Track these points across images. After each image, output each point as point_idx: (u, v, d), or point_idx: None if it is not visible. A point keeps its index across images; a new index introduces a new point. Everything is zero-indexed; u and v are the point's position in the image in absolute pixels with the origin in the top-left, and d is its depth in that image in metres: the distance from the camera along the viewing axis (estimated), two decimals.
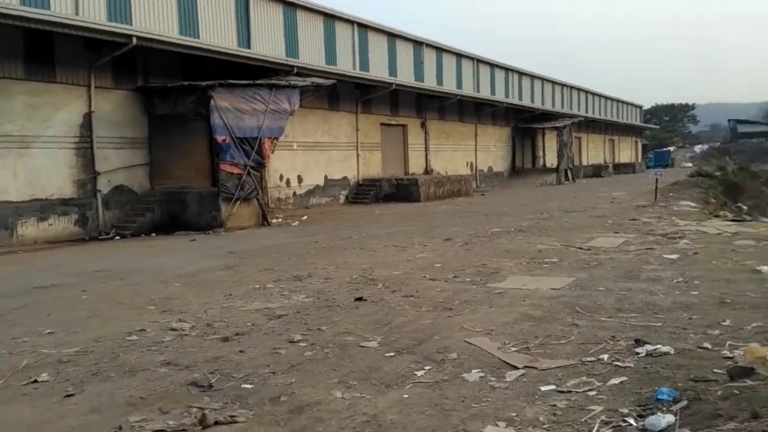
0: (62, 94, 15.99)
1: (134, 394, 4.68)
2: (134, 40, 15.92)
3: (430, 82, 32.79)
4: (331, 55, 26.30)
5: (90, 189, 16.59)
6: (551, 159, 43.15)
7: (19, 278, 10.25)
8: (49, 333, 6.57)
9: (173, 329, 6.52)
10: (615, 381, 4.59)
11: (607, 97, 62.13)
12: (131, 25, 17.74)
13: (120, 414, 4.32)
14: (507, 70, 42.45)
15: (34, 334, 6.54)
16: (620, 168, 57.15)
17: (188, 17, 19.99)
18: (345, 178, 26.16)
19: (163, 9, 19.19)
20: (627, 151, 66.70)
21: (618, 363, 4.98)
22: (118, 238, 16.23)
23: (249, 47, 21.77)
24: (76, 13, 16.55)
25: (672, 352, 5.15)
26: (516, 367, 4.97)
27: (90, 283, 9.58)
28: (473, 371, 4.94)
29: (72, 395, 4.72)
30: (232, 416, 4.22)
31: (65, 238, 15.85)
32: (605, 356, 5.14)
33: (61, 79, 15.97)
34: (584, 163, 52.22)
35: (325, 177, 25.12)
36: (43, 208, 15.64)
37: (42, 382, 5.03)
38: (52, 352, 5.83)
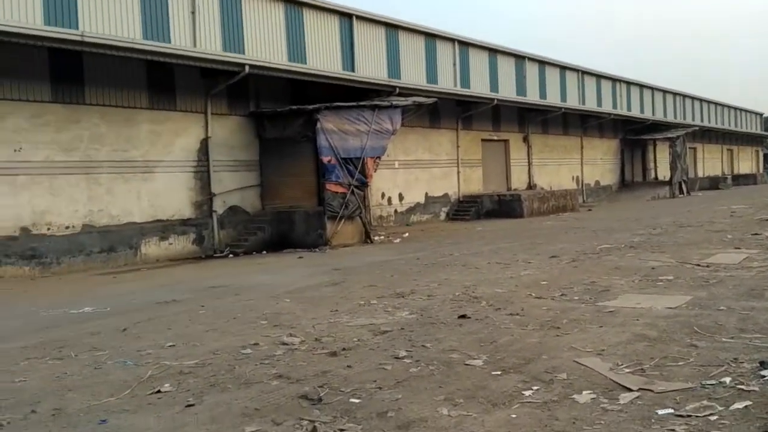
0: (181, 121, 17.00)
1: (249, 405, 4.86)
2: (247, 68, 16.69)
3: (532, 96, 32.29)
4: (431, 74, 26.48)
5: (206, 210, 17.48)
6: (663, 171, 41.23)
7: (142, 294, 10.92)
8: (170, 346, 6.95)
9: (284, 343, 6.73)
10: (738, 405, 4.30)
11: (723, 105, 58.79)
12: (244, 54, 18.66)
13: (237, 424, 4.49)
14: (614, 80, 41.10)
15: (156, 346, 6.94)
16: (740, 179, 53.83)
17: (296, 44, 20.79)
18: (446, 195, 26.12)
19: (273, 38, 20.08)
20: (747, 162, 62.79)
21: (741, 386, 4.66)
22: (231, 255, 16.95)
23: (353, 70, 22.31)
24: (194, 45, 17.63)
25: None
26: (630, 389, 4.75)
27: (207, 298, 10.05)
28: (584, 392, 4.77)
29: (192, 405, 4.95)
30: (341, 429, 4.29)
31: (184, 256, 16.73)
32: (727, 379, 4.83)
33: (181, 107, 16.99)
34: (700, 174, 49.51)
35: (426, 194, 25.19)
36: (164, 228, 16.64)
37: (165, 392, 5.31)
38: (173, 364, 6.15)
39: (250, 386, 5.35)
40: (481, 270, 11.49)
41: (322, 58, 21.58)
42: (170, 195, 16.75)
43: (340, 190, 17.48)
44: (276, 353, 6.37)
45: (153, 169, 16.44)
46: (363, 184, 18.05)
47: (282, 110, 18.25)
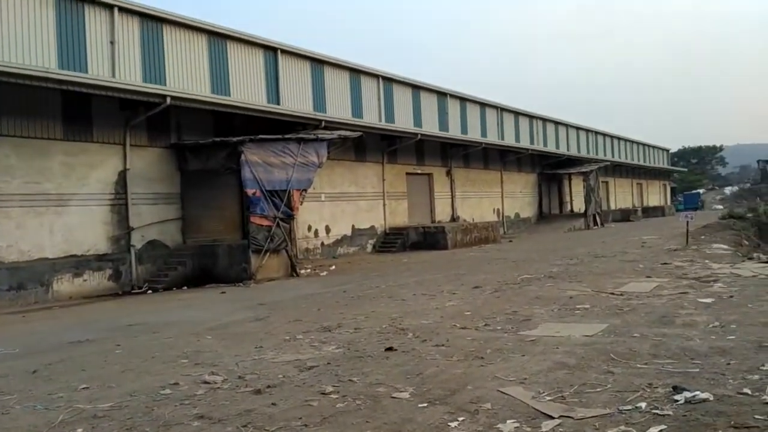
0: (98, 153, 16.46)
1: None
2: (168, 100, 16.42)
3: (454, 131, 33.09)
4: (357, 108, 26.77)
5: (124, 244, 16.89)
6: (579, 204, 42.87)
7: (54, 334, 10.38)
8: (84, 388, 6.61)
9: (205, 382, 6.52)
10: (654, 430, 4.46)
11: (633, 141, 61.89)
12: (165, 85, 18.34)
13: None
14: (531, 117, 42.67)
15: (69, 389, 6.58)
16: (649, 212, 56.53)
17: (220, 76, 20.62)
18: (372, 227, 26.27)
19: (195, 69, 19.84)
20: (655, 195, 66.05)
21: (656, 411, 4.84)
22: (150, 292, 16.40)
23: (278, 103, 22.28)
24: (113, 75, 17.20)
25: (711, 398, 5.00)
26: (552, 417, 4.85)
27: (123, 337, 9.65)
28: (508, 422, 4.84)
29: None
30: None
31: (99, 293, 16.07)
32: (643, 404, 5.01)
33: (98, 139, 16.47)
34: (612, 207, 51.72)
35: (353, 227, 25.26)
36: (78, 264, 15.94)
37: None
38: (87, 407, 5.85)
39: (170, 428, 5.15)
40: (408, 302, 11.55)
41: (247, 90, 21.46)
42: (85, 229, 16.11)
43: (266, 222, 17.34)
44: (197, 393, 6.17)
45: (67, 203, 15.80)
46: (289, 217, 17.99)
47: (205, 142, 17.98)
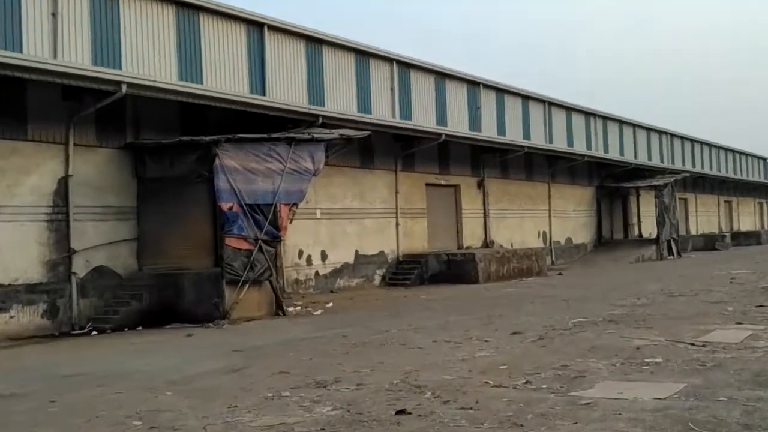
0: (33, 155, 16.55)
1: None
2: (124, 88, 16.47)
3: (489, 131, 33.21)
4: (364, 101, 26.93)
5: (63, 271, 16.94)
6: (649, 227, 42.73)
7: None
8: None
9: None
10: None
11: (720, 147, 61.88)
12: (121, 69, 18.51)
13: None
14: (588, 114, 42.78)
15: None
16: (740, 238, 56.28)
17: (190, 59, 20.81)
18: (381, 253, 26.28)
19: (159, 50, 20.03)
20: (749, 216, 65.81)
21: None
22: (95, 333, 16.38)
23: (264, 93, 22.44)
24: (54, 56, 17.38)
25: None
26: None
27: (60, 391, 9.64)
28: None
29: None
30: None
31: (31, 333, 16.04)
32: None
33: (33, 136, 16.56)
34: (692, 231, 51.57)
35: (356, 252, 25.28)
36: (4, 296, 15.96)
37: None
38: None
39: None
40: (426, 351, 11.51)
41: (224, 76, 21.63)
42: (14, 251, 16.18)
43: (245, 246, 17.35)
44: None
45: None
46: (275, 239, 18.00)
47: (169, 142, 18.09)
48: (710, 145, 60.24)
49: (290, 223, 18.65)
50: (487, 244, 31.47)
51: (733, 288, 20.08)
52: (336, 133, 20.48)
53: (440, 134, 27.14)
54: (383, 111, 27.53)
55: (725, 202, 60.48)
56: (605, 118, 44.67)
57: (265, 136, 18.26)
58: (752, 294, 18.14)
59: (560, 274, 29.80)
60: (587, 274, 29.85)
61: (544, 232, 36.17)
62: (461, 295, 21.45)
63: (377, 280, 26.05)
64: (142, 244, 18.45)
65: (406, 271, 26.47)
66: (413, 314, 17.12)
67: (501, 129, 34.73)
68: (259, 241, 17.48)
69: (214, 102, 18.92)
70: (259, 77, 22.71)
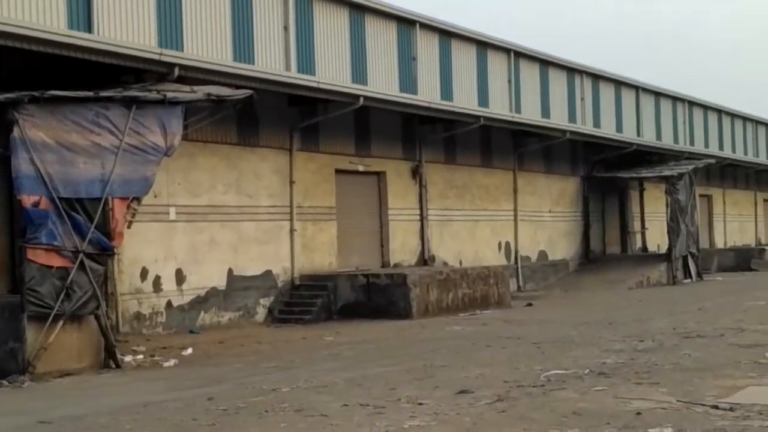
0: None
1: None
2: None
3: (428, 94, 33.21)
4: (244, 46, 26.61)
5: None
6: (657, 237, 43.48)
7: None
8: None
9: None
10: None
11: (760, 122, 62.81)
12: None
13: None
14: (571, 70, 43.23)
15: None
16: None
17: None
18: (268, 273, 26.15)
19: None
20: None
21: None
22: None
23: (89, 29, 21.99)
24: None
25: None
26: None
27: None
28: None
29: None
30: None
31: None
32: None
33: None
34: (719, 243, 52.65)
35: (230, 273, 25.06)
36: None
37: None
38: None
39: None
40: (332, 420, 11.45)
41: (30, 5, 21.11)
42: None
43: (58, 262, 17.23)
44: None
45: None
46: (104, 251, 17.91)
47: None
48: (745, 119, 61.13)
49: (128, 227, 18.66)
50: (426, 260, 31.56)
51: None
52: (201, 91, 20.20)
53: (358, 96, 27.05)
54: (272, 61, 27.26)
55: (766, 201, 61.63)
56: (596, 77, 45.04)
57: (90, 94, 18.04)
58: None
59: (530, 304, 30.16)
60: (569, 304, 30.26)
61: (508, 244, 36.46)
62: (386, 336, 21.70)
63: (261, 314, 25.98)
64: None
65: (306, 301, 26.49)
66: (315, 365, 17.25)
67: (446, 90, 34.74)
68: (81, 254, 17.36)
69: (12, 41, 18.42)
70: (83, 6, 22.24)
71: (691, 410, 11.00)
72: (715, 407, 11.06)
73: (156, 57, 21.28)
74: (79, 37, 20.34)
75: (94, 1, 22.50)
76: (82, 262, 17.32)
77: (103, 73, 20.16)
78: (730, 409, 10.89)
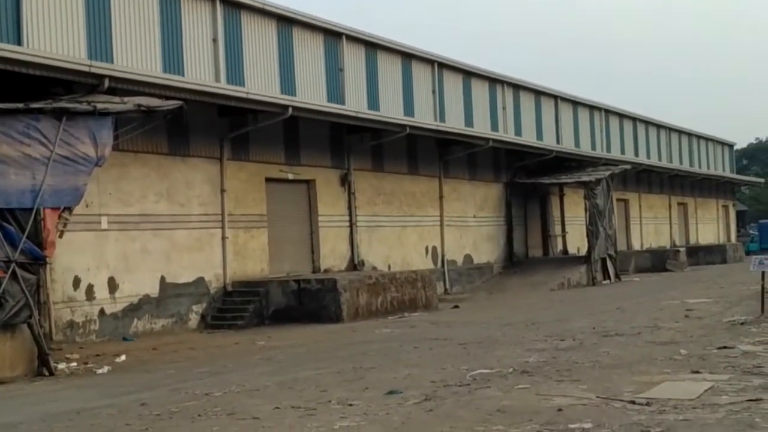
0: None
1: None
2: None
3: (356, 104, 33.25)
4: (174, 58, 26.48)
5: None
6: (577, 240, 43.85)
7: None
8: None
9: None
10: None
11: (673, 129, 63.76)
12: None
13: None
14: (493, 80, 43.37)
15: None
16: (699, 254, 58.36)
17: None
18: (200, 281, 26.10)
19: None
20: (710, 224, 68.19)
21: None
22: None
23: (19, 41, 21.76)
24: None
25: None
26: None
27: None
28: None
29: None
30: None
31: None
32: None
33: None
34: (635, 245, 53.19)
35: (162, 280, 24.98)
36: None
37: None
38: None
39: None
40: (264, 422, 11.47)
41: None
42: None
43: None
44: None
45: None
46: (36, 261, 17.76)
47: None
48: (659, 126, 61.87)
49: (60, 236, 18.44)
50: (355, 265, 31.62)
51: (689, 324, 20.82)
52: (131, 102, 20.09)
53: (286, 106, 27.01)
54: (202, 72, 27.07)
55: (679, 204, 62.43)
56: (517, 87, 45.30)
57: (20, 105, 17.93)
58: (713, 331, 18.78)
59: (456, 306, 30.31)
60: (494, 306, 30.41)
61: (435, 248, 36.56)
62: (317, 340, 21.68)
63: (194, 320, 25.87)
64: None
65: (238, 307, 26.44)
66: (247, 369, 17.14)
67: (373, 100, 34.74)
68: (13, 264, 17.16)
69: None
70: (12, 19, 21.98)
71: (609, 406, 11.20)
72: (633, 402, 11.26)
73: (86, 69, 21.11)
74: (9, 50, 20.11)
75: (24, 13, 22.23)
76: (14, 272, 17.08)
77: (33, 85, 19.96)
78: (647, 404, 11.12)
